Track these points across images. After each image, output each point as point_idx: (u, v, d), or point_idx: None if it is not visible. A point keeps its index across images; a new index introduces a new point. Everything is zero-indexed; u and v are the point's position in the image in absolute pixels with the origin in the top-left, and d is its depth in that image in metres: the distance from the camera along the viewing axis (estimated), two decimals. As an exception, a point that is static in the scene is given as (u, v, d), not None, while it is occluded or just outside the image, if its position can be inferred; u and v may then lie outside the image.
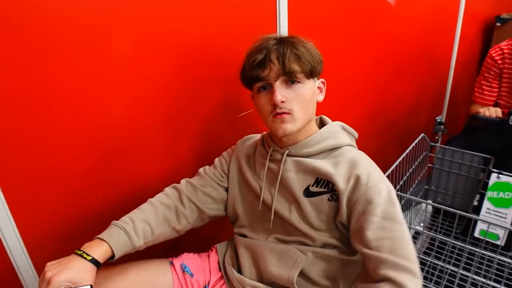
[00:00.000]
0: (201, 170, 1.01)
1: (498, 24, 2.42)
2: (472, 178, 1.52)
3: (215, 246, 1.03)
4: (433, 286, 1.37)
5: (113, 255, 0.79)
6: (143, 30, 0.90)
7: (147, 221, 0.87)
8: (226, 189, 0.99)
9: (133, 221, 0.85)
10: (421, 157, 1.51)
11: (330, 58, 1.38)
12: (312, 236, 0.84)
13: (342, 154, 0.84)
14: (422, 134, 1.48)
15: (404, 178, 1.36)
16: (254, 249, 0.92)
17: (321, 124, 0.93)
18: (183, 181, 0.98)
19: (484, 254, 1.28)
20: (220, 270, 0.98)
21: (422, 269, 1.37)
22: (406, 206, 1.43)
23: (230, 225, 1.04)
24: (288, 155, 0.88)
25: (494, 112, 1.58)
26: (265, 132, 0.99)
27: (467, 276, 1.32)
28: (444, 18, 2.12)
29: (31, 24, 0.74)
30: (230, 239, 1.04)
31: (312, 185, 0.84)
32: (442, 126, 2.24)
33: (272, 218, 0.90)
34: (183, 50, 0.98)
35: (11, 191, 0.81)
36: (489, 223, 1.23)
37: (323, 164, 0.83)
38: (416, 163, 1.45)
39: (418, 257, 0.97)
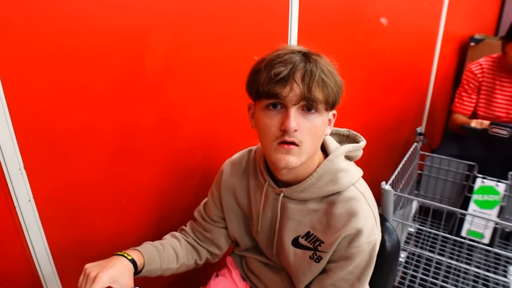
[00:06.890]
0: (196, 214, 0.99)
1: (472, 44, 2.65)
2: (458, 183, 1.68)
3: (229, 258, 1.05)
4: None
5: (141, 269, 0.84)
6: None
7: (174, 248, 0.93)
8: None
9: (163, 245, 0.91)
10: (413, 164, 1.65)
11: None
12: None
13: (340, 202, 0.77)
14: (415, 144, 1.62)
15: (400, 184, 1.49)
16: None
17: (323, 147, 0.82)
18: (189, 230, 0.99)
19: (472, 246, 1.42)
20: (244, 279, 1.03)
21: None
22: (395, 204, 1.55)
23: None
24: (284, 196, 0.82)
25: (480, 124, 1.73)
26: (254, 148, 0.92)
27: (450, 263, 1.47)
28: (426, 38, 2.32)
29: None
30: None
31: (302, 237, 0.81)
32: (422, 137, 2.42)
33: (274, 251, 0.89)
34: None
35: (43, 202, 0.83)
36: (475, 216, 1.39)
37: (318, 219, 0.79)
38: (410, 169, 1.58)
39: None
